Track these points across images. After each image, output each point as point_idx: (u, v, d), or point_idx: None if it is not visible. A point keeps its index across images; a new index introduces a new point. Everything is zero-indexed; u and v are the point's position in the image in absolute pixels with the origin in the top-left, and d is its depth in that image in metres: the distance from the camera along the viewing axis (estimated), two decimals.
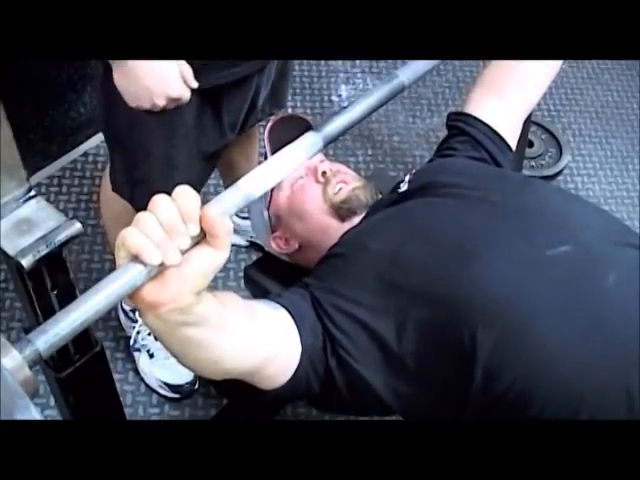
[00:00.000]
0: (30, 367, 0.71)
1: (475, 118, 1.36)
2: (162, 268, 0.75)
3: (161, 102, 1.38)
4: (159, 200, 0.76)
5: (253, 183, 0.86)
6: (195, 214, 0.76)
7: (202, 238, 0.78)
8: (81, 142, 2.44)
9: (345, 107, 1.00)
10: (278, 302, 1.04)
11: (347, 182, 1.33)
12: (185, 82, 1.38)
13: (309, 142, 0.94)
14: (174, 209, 0.75)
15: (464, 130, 1.36)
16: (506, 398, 0.99)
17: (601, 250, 1.09)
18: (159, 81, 1.36)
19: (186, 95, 1.40)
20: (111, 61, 1.35)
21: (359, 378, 1.05)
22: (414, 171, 1.34)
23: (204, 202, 0.79)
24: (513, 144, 1.38)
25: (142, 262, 0.74)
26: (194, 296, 0.78)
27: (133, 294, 0.76)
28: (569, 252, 1.06)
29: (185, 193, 0.76)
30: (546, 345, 0.99)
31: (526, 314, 1.01)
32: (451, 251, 1.08)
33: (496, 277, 1.04)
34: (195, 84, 1.40)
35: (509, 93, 1.38)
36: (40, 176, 2.36)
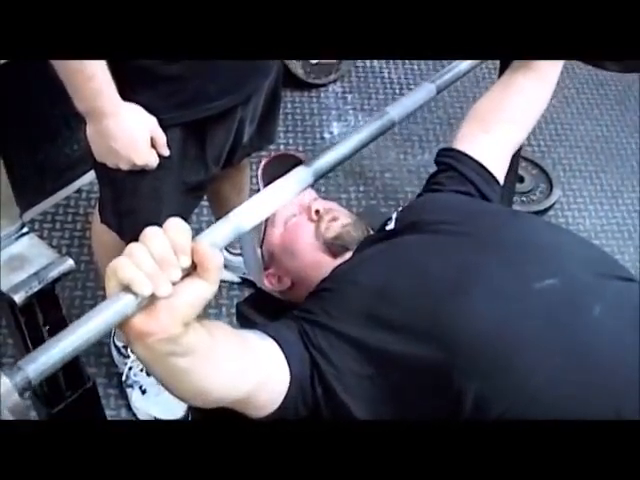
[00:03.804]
0: (20, 394, 0.71)
1: (463, 154, 1.38)
2: (152, 298, 0.76)
3: (125, 167, 1.41)
4: (151, 232, 0.77)
5: (243, 215, 0.88)
6: (187, 246, 0.77)
7: (192, 270, 0.79)
8: (75, 179, 2.45)
9: (335, 142, 1.01)
10: (266, 332, 1.05)
11: (338, 219, 1.35)
12: (155, 148, 1.42)
13: (299, 177, 0.96)
14: (166, 241, 0.77)
15: (452, 165, 1.38)
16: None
17: (587, 282, 1.10)
18: (127, 147, 1.39)
19: (152, 163, 1.43)
20: (86, 116, 1.37)
21: (343, 407, 1.06)
22: (401, 208, 1.35)
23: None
24: (501, 178, 1.39)
25: (133, 292, 0.75)
26: (182, 326, 0.79)
27: (123, 323, 0.77)
28: (555, 285, 1.07)
29: (177, 226, 0.78)
30: (534, 378, 1.00)
31: (512, 348, 1.02)
32: (437, 286, 1.08)
33: (481, 312, 1.05)
34: (166, 152, 1.43)
35: (497, 129, 1.40)
36: (34, 212, 2.36)
